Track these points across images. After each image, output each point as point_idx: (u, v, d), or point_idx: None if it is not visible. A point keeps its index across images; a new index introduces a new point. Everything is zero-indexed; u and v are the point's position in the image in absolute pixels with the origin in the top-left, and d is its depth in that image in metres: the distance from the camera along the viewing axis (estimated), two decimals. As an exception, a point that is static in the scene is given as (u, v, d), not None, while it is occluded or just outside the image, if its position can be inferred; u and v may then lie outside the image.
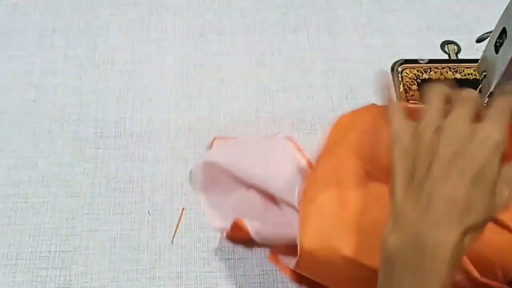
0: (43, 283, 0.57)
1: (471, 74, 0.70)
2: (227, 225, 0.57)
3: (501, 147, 0.39)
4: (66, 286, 0.57)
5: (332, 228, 0.51)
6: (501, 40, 0.52)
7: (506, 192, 0.40)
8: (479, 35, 0.58)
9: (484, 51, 0.57)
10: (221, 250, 0.59)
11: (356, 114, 0.58)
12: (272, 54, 0.72)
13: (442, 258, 0.38)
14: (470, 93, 0.43)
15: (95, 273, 0.58)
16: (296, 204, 0.55)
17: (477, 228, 0.39)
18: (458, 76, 0.70)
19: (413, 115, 0.45)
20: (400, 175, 0.41)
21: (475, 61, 0.61)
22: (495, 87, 0.54)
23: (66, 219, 0.61)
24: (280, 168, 0.59)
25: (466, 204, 0.38)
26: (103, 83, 0.70)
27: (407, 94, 0.69)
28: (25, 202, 0.62)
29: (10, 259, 0.58)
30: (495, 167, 0.39)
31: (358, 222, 0.51)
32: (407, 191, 0.40)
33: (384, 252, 0.40)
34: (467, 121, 0.41)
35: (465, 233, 0.38)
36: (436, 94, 0.43)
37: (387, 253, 0.40)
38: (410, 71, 0.70)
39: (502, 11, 0.53)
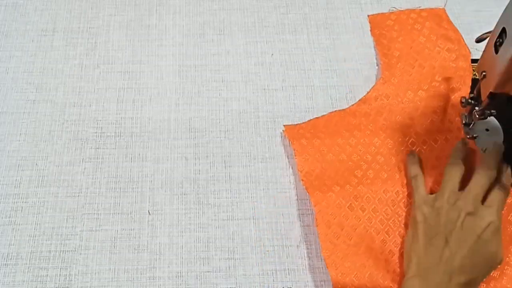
0: (43, 283, 0.57)
1: (471, 74, 0.70)
2: None
3: (499, 229, 0.53)
4: (66, 286, 0.57)
5: None
6: (501, 40, 0.52)
7: (500, 254, 0.54)
8: (479, 35, 0.57)
9: (484, 51, 0.57)
10: (221, 250, 0.59)
11: None
12: (272, 54, 0.72)
13: None
14: (487, 170, 0.56)
15: (95, 273, 0.58)
16: None
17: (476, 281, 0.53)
18: (458, 76, 0.70)
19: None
20: (422, 235, 0.54)
21: (475, 61, 0.61)
22: (495, 87, 0.54)
23: (66, 219, 0.61)
24: None
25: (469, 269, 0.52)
26: (103, 83, 0.70)
27: (407, 94, 0.69)
28: (25, 202, 0.62)
29: (10, 259, 0.59)
30: (494, 244, 0.53)
31: None
32: (427, 250, 0.53)
33: None
34: (478, 202, 0.54)
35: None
36: (454, 171, 0.57)
37: None
38: (410, 71, 0.70)
39: (502, 11, 0.53)
